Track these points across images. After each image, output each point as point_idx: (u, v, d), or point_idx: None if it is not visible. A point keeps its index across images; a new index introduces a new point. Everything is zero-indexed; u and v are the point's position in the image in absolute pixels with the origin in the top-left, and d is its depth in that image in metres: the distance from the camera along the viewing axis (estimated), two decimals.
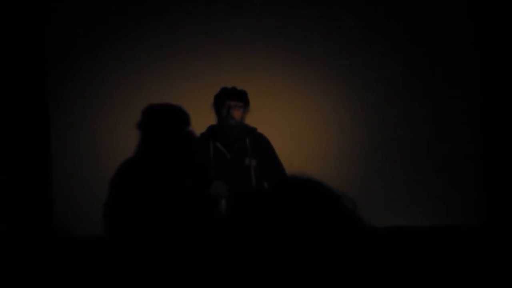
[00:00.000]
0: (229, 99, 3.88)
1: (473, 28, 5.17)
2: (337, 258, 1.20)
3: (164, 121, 4.87)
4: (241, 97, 3.91)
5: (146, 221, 4.55)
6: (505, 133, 5.08)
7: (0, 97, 4.77)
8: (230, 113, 3.86)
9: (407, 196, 5.05)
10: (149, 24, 4.95)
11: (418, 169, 5.10)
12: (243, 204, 1.25)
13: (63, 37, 4.89)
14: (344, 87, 5.06)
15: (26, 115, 4.82)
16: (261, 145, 4.02)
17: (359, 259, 1.22)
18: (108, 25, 4.92)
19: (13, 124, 4.79)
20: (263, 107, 4.83)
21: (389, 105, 5.11)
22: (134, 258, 4.04)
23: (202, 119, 4.86)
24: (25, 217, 4.76)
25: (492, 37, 5.15)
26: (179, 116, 4.84)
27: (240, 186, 3.76)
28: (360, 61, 5.08)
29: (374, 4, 5.10)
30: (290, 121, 4.97)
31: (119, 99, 4.92)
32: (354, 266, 1.21)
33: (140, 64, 4.93)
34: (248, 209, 1.23)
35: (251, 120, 4.44)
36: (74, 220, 4.82)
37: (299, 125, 5.01)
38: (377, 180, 5.03)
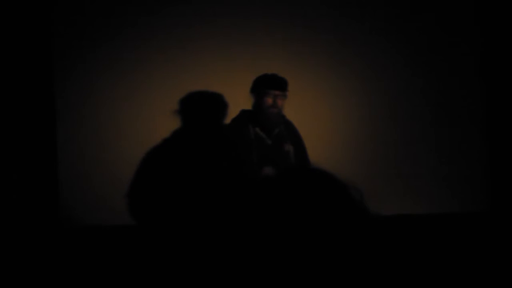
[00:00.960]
0: (274, 88, 3.89)
1: (478, 26, 5.16)
2: (344, 246, 1.20)
3: (191, 108, 4.87)
4: (285, 87, 3.93)
5: (179, 210, 4.56)
6: (510, 121, 5.08)
7: (6, 93, 4.78)
8: (275, 103, 3.88)
9: (413, 184, 5.05)
10: (155, 17, 4.94)
11: (423, 157, 5.09)
12: (254, 193, 1.25)
13: (67, 32, 4.89)
14: (350, 81, 5.05)
15: (32, 107, 4.83)
16: (293, 131, 4.10)
17: (366, 247, 1.23)
18: (113, 19, 4.92)
19: (19, 118, 4.80)
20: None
21: (395, 96, 5.10)
22: (165, 248, 4.06)
23: (208, 109, 4.88)
24: (30, 209, 4.77)
25: (496, 34, 5.13)
26: (206, 103, 4.84)
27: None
28: (365, 58, 5.07)
29: (381, 4, 5.08)
30: (297, 115, 4.96)
31: (125, 92, 4.92)
32: (361, 254, 1.22)
33: (146, 58, 4.93)
34: (258, 198, 1.23)
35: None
36: (79, 211, 4.83)
37: (305, 116, 5.00)
38: (383, 168, 5.03)
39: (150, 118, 4.93)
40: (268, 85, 3.92)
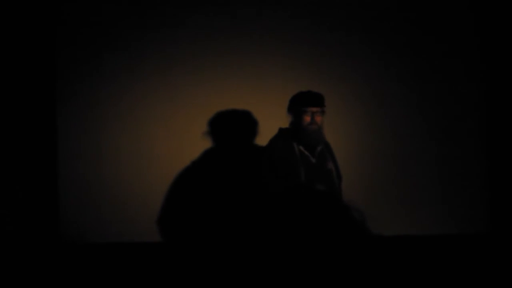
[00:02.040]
0: (311, 105, 3.91)
1: (474, 27, 5.15)
2: (344, 266, 1.21)
3: (226, 125, 4.91)
4: (322, 103, 3.95)
5: (213, 226, 4.59)
6: (511, 141, 5.07)
7: (8, 100, 4.79)
8: (314, 119, 3.89)
9: (413, 205, 5.04)
10: (156, 29, 4.97)
11: (423, 178, 5.09)
12: (257, 210, 1.26)
13: (70, 40, 4.91)
14: (348, 93, 5.05)
15: (33, 118, 4.84)
16: (330, 149, 4.11)
17: (366, 267, 1.23)
18: (116, 28, 4.94)
19: (20, 128, 4.80)
20: (264, 109, 4.85)
21: (394, 113, 5.10)
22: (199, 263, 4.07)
23: (203, 123, 4.89)
24: (30, 222, 4.77)
25: (495, 36, 5.13)
26: (239, 120, 4.88)
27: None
28: (363, 65, 5.07)
29: (376, 5, 5.09)
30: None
31: (127, 107, 4.93)
32: (361, 274, 1.22)
33: (147, 68, 4.95)
34: (263, 215, 1.24)
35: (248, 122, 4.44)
36: (79, 225, 4.83)
37: None
38: (383, 189, 5.02)
39: (152, 134, 4.94)
40: (304, 103, 3.91)
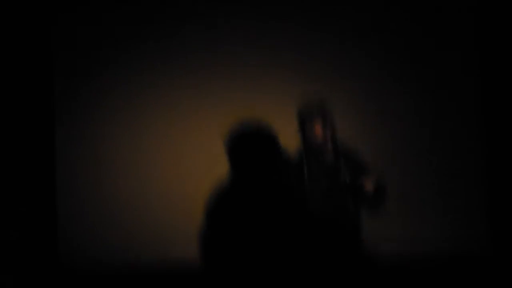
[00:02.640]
0: (306, 121, 3.72)
1: (473, 27, 5.15)
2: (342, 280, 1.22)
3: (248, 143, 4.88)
4: (314, 115, 3.73)
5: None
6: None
7: (9, 104, 4.80)
8: (313, 134, 3.70)
9: (411, 224, 5.02)
10: (157, 27, 4.98)
11: (421, 196, 5.07)
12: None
13: (69, 47, 4.94)
14: (345, 95, 5.02)
15: (32, 126, 4.84)
16: (355, 160, 3.87)
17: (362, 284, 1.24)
18: (115, 35, 4.96)
19: (21, 133, 4.81)
20: (263, 111, 4.83)
21: (393, 115, 5.08)
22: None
23: (205, 131, 4.88)
24: (29, 243, 4.76)
25: (493, 35, 5.11)
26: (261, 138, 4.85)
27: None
28: (363, 66, 5.07)
29: (377, 5, 5.12)
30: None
31: (124, 125, 4.95)
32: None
33: (145, 76, 4.97)
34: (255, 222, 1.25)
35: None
36: (78, 252, 4.83)
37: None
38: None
39: (152, 140, 4.94)
40: (301, 120, 3.74)
